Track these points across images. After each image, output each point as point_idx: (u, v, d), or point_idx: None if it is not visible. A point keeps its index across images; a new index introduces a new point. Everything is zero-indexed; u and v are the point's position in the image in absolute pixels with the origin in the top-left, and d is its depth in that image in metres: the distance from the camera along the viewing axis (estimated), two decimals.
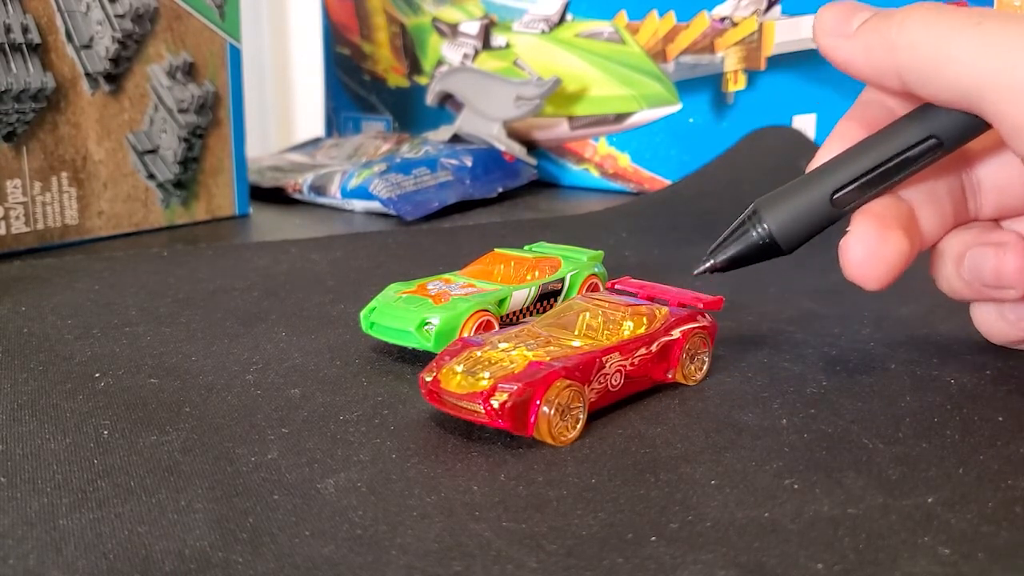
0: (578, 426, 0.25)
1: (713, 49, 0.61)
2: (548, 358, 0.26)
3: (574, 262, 0.35)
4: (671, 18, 0.62)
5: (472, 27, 0.70)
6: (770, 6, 0.58)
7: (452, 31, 0.71)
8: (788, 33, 0.58)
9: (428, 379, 0.26)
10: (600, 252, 0.37)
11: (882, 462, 0.24)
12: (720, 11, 0.60)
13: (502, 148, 0.64)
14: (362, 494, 0.22)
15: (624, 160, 0.65)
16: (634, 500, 0.22)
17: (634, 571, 0.19)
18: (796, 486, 0.23)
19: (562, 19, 0.66)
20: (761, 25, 0.59)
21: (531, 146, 0.68)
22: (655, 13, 0.62)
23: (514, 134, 0.67)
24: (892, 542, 0.20)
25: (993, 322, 0.31)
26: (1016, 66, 0.24)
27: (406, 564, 0.19)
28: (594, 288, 0.35)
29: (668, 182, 0.62)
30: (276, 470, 0.23)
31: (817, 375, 0.30)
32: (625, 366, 0.27)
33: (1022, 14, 0.25)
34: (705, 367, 0.29)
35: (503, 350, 0.26)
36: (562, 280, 0.35)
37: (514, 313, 0.33)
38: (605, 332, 0.28)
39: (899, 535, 0.20)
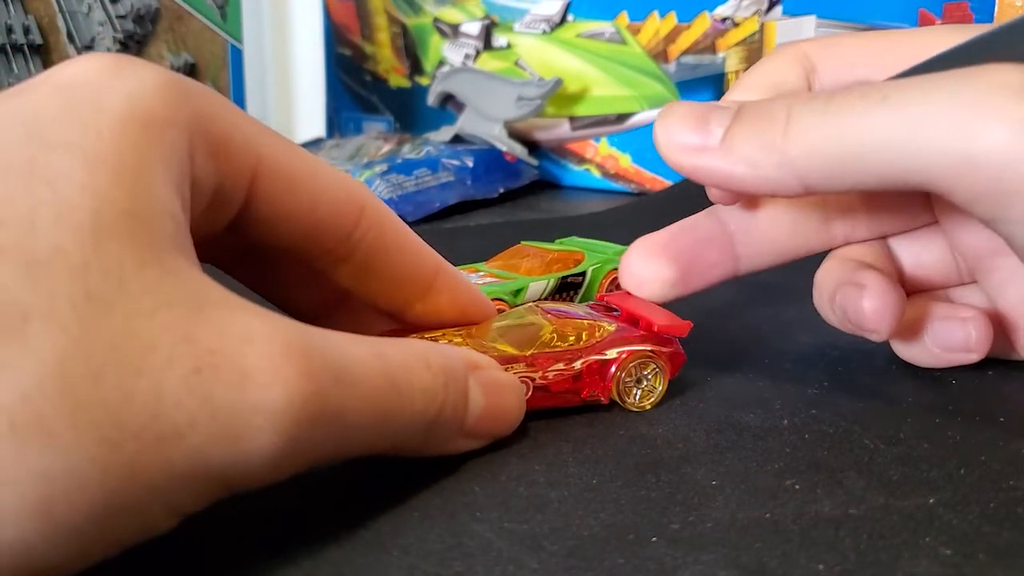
0: None
1: (714, 49, 0.61)
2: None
3: (598, 256, 0.36)
4: (672, 19, 0.62)
5: (473, 27, 0.70)
6: (771, 7, 0.58)
7: (453, 31, 0.71)
8: (789, 34, 0.58)
9: None
10: (626, 248, 0.37)
11: (883, 462, 0.24)
12: (721, 11, 0.60)
13: (503, 148, 0.64)
14: (363, 494, 0.22)
15: (625, 160, 0.65)
16: (635, 501, 0.22)
17: (635, 571, 0.19)
18: (797, 486, 0.23)
19: (563, 20, 0.66)
20: (762, 25, 0.59)
21: (532, 146, 0.68)
22: (656, 14, 0.62)
23: (515, 134, 0.67)
24: (893, 542, 0.20)
25: (904, 351, 0.30)
26: (958, 135, 0.21)
27: (408, 564, 0.19)
28: (616, 283, 0.34)
29: (669, 183, 0.62)
30: None
31: (819, 375, 0.30)
32: (534, 379, 0.26)
33: (923, 78, 0.22)
34: (657, 394, 0.27)
35: (433, 336, 0.26)
36: (583, 274, 0.35)
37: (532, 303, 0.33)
38: (533, 345, 0.26)
39: (900, 535, 0.20)
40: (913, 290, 0.30)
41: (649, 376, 0.27)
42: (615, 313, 0.29)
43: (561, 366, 0.26)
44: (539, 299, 0.33)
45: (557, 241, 0.38)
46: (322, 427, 0.19)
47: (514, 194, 0.63)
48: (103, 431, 0.16)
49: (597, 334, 0.27)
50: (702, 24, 0.61)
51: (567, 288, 0.34)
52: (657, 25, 0.63)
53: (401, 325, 0.27)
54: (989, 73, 0.22)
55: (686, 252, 0.28)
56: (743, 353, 0.32)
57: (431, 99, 0.70)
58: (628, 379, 0.27)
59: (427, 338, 0.26)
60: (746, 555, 0.20)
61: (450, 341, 0.26)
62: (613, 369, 0.27)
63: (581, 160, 0.67)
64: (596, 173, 0.67)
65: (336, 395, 0.19)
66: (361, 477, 0.23)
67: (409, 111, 0.76)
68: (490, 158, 0.62)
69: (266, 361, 0.18)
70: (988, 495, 0.22)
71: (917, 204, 0.29)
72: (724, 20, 0.60)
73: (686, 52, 0.62)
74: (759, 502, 0.22)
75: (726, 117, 0.24)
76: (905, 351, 0.30)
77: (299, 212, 0.23)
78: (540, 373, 0.26)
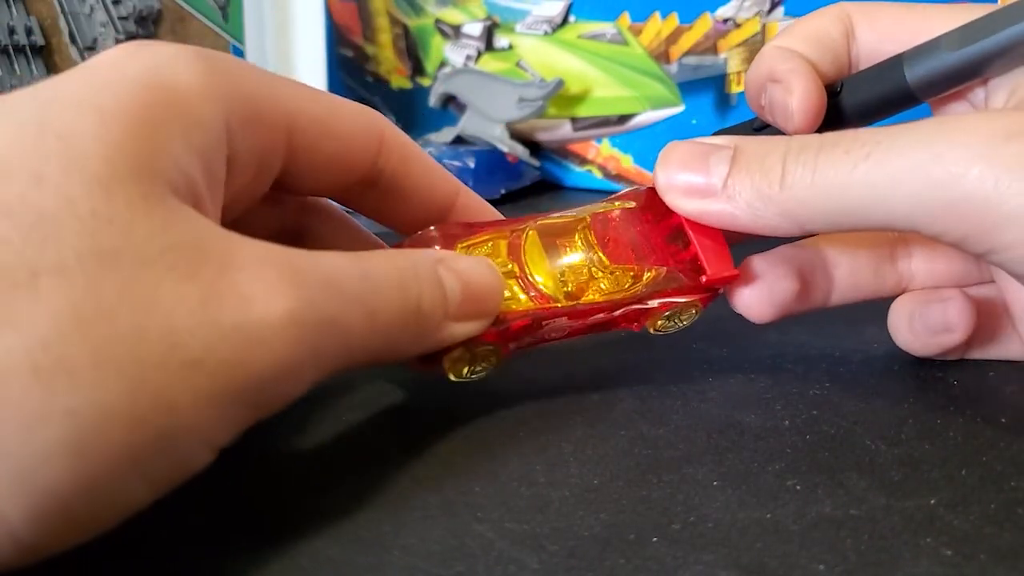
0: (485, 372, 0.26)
1: (716, 50, 0.61)
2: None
3: None
4: (674, 19, 0.62)
5: (475, 28, 0.70)
6: (773, 7, 0.58)
7: (455, 32, 0.71)
8: None
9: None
10: None
11: (885, 463, 0.24)
12: (723, 12, 0.60)
13: (505, 149, 0.64)
14: (364, 494, 0.22)
15: (627, 161, 0.65)
16: (636, 501, 0.22)
17: (636, 572, 0.19)
18: (798, 487, 0.23)
19: (565, 21, 0.66)
20: (764, 26, 0.59)
21: (534, 147, 0.68)
22: (658, 15, 0.62)
23: (517, 135, 0.67)
24: (894, 543, 0.20)
25: (900, 339, 0.30)
26: (938, 184, 0.22)
27: (409, 564, 0.19)
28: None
29: None
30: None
31: (820, 376, 0.30)
32: (572, 325, 0.26)
33: (902, 128, 0.23)
34: (684, 323, 0.28)
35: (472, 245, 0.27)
36: None
37: None
38: (573, 283, 0.27)
39: (901, 536, 0.20)
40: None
41: (684, 317, 0.28)
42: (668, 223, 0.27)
43: (601, 316, 0.27)
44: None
45: None
46: (321, 333, 0.20)
47: (516, 195, 0.63)
48: (124, 366, 0.17)
49: (644, 279, 0.27)
50: (704, 25, 0.61)
51: None
52: (659, 26, 0.63)
53: None
54: (963, 121, 0.23)
55: (804, 272, 0.29)
56: (744, 353, 0.32)
57: (433, 100, 0.70)
58: (664, 321, 0.28)
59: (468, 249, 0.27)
60: (747, 555, 0.20)
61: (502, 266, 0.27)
62: (653, 316, 0.27)
63: (583, 161, 0.67)
64: (598, 174, 0.67)
65: (326, 301, 0.20)
66: (361, 477, 0.23)
67: (411, 112, 0.76)
68: (492, 159, 0.62)
69: (261, 283, 0.19)
70: (989, 496, 0.22)
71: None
72: (726, 21, 0.60)
73: (688, 53, 0.62)
74: (760, 502, 0.22)
75: (725, 160, 0.25)
76: (901, 339, 0.30)
77: (331, 156, 0.25)
78: (579, 322, 0.27)
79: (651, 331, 0.28)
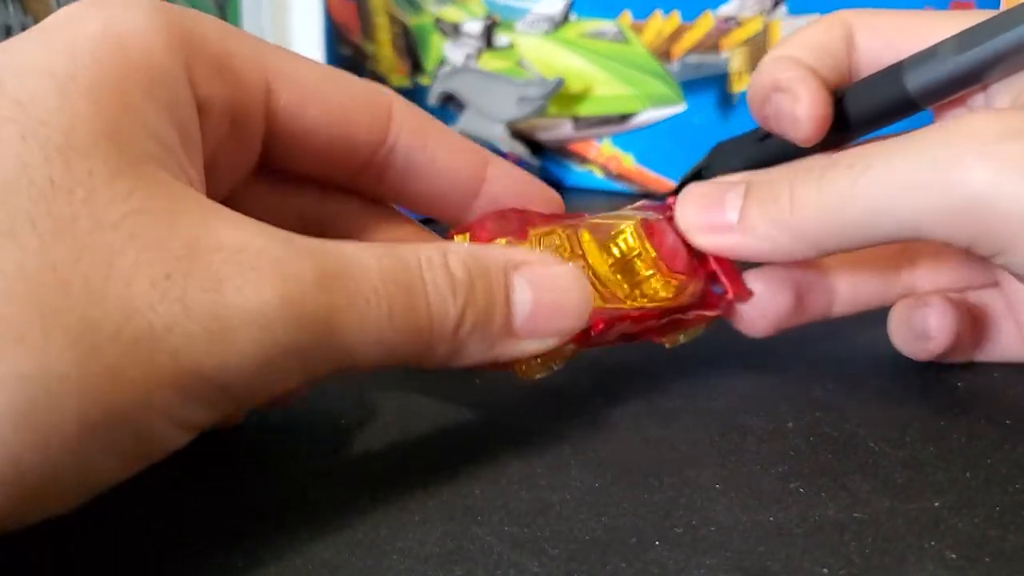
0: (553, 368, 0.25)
1: (718, 49, 0.61)
2: None
3: None
4: (676, 18, 0.62)
5: (475, 27, 0.70)
6: (775, 6, 0.58)
7: (454, 31, 0.71)
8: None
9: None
10: None
11: (888, 466, 0.24)
12: (725, 11, 0.60)
13: (505, 149, 0.64)
14: (362, 497, 0.22)
15: (628, 161, 0.65)
16: (638, 504, 0.22)
17: None
18: (802, 490, 0.22)
19: (565, 19, 0.66)
20: (766, 25, 0.59)
21: (535, 147, 0.68)
22: (659, 13, 0.62)
23: (517, 135, 0.67)
24: (898, 546, 0.20)
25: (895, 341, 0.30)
26: (943, 189, 0.22)
27: (407, 568, 0.19)
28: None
29: (673, 184, 0.62)
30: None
31: (824, 378, 0.29)
32: (627, 331, 0.26)
33: (903, 140, 0.24)
34: (688, 338, 0.28)
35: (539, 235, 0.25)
36: None
37: None
38: (624, 286, 0.26)
39: (905, 539, 0.20)
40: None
41: (691, 332, 0.28)
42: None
43: (652, 323, 0.27)
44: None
45: None
46: (308, 332, 0.18)
47: None
48: (75, 334, 0.16)
49: (689, 289, 0.27)
50: (706, 23, 0.61)
51: None
52: (660, 24, 0.62)
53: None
54: (962, 123, 0.23)
55: (800, 286, 0.29)
56: (747, 356, 0.32)
57: (432, 99, 0.69)
58: (682, 335, 0.28)
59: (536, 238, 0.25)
60: (749, 559, 0.20)
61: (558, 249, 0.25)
62: (683, 327, 0.28)
63: (584, 160, 0.67)
64: (599, 174, 0.66)
65: (318, 299, 0.18)
66: (360, 479, 0.23)
67: None
68: None
69: (235, 268, 0.17)
70: (994, 499, 0.22)
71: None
72: (728, 20, 0.60)
73: (690, 51, 0.62)
74: (763, 506, 0.22)
75: (739, 195, 0.26)
76: (897, 344, 0.30)
77: (324, 123, 0.23)
78: (633, 326, 0.26)
79: (667, 344, 0.28)
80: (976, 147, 0.22)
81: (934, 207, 0.22)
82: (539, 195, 0.28)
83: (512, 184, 0.27)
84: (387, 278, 0.20)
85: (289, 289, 0.18)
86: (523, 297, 0.22)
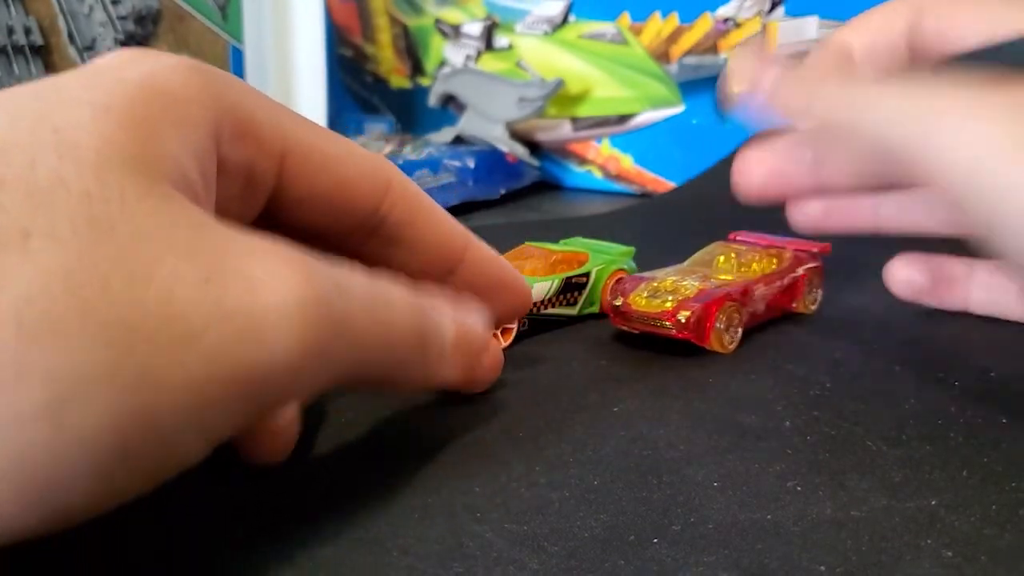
0: (736, 339, 0.32)
1: (716, 50, 0.61)
2: (712, 287, 0.32)
3: (602, 257, 0.36)
4: (674, 19, 0.62)
5: (475, 28, 0.70)
6: (773, 7, 0.58)
7: (454, 32, 0.71)
8: (792, 34, 0.58)
9: (618, 304, 0.32)
10: (631, 248, 0.38)
11: (885, 464, 0.24)
12: (723, 12, 0.60)
13: (505, 149, 0.64)
14: (362, 494, 0.22)
15: (627, 162, 0.65)
16: (636, 502, 0.22)
17: (636, 573, 0.19)
18: (799, 488, 0.23)
19: (565, 20, 0.66)
20: (765, 26, 0.59)
21: (534, 147, 0.68)
22: (658, 14, 0.62)
23: (517, 135, 0.67)
24: (895, 544, 0.20)
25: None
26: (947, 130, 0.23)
27: (407, 565, 0.19)
28: (620, 281, 0.35)
29: (671, 184, 0.62)
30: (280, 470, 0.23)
31: (821, 377, 0.30)
32: (767, 295, 0.33)
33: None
34: (818, 299, 0.36)
35: (674, 282, 0.32)
36: (588, 274, 0.35)
37: (535, 304, 0.33)
38: (740, 270, 0.34)
39: (902, 537, 0.20)
40: None
41: (815, 287, 0.36)
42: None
43: (778, 283, 0.34)
44: (544, 299, 0.34)
45: (561, 242, 0.38)
46: (332, 333, 0.19)
47: (516, 195, 0.63)
48: (113, 332, 0.16)
49: (784, 257, 0.35)
50: (704, 25, 0.61)
51: (571, 289, 0.34)
52: (659, 26, 0.63)
53: None
54: (985, 102, 0.22)
55: (937, 274, 0.34)
56: (745, 354, 0.32)
57: (432, 100, 0.70)
58: (808, 291, 0.35)
59: (671, 281, 0.33)
60: (747, 557, 0.20)
61: (692, 282, 0.33)
62: (803, 283, 0.35)
63: (583, 161, 0.67)
64: (598, 174, 0.67)
65: (339, 302, 0.19)
66: (361, 477, 0.23)
67: (410, 112, 0.76)
68: (492, 159, 0.62)
69: (270, 270, 0.18)
70: (990, 497, 0.22)
71: None
72: (726, 21, 0.60)
73: (688, 53, 0.62)
74: (760, 504, 0.22)
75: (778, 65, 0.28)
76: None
77: (328, 191, 0.24)
78: (770, 290, 0.34)
79: (803, 310, 0.35)
80: (993, 141, 0.22)
81: (945, 149, 0.23)
82: (512, 284, 0.29)
83: (486, 270, 0.28)
84: (375, 296, 0.21)
85: (319, 291, 0.19)
86: (447, 327, 0.24)
